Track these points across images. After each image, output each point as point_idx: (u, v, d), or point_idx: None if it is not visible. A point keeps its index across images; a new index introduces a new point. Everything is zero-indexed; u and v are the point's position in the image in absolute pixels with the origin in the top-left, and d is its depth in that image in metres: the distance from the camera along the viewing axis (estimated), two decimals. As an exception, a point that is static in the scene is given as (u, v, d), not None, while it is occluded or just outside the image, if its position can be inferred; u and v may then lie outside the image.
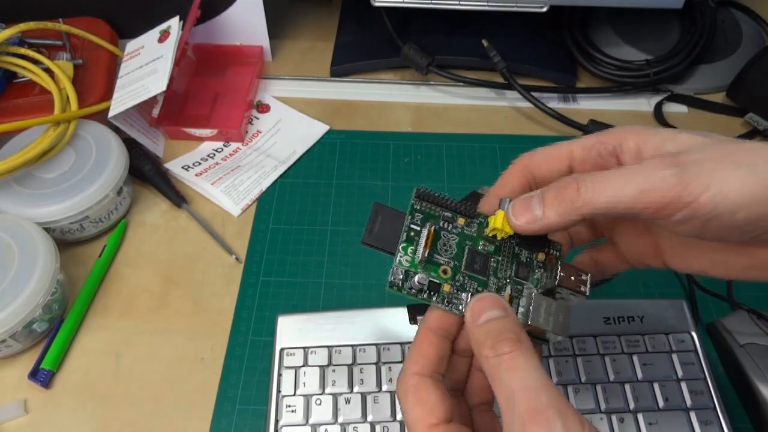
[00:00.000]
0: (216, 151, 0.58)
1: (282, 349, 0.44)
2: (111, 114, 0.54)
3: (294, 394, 0.42)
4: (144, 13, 0.59)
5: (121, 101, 0.55)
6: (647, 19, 0.63)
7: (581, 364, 0.42)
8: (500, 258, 0.31)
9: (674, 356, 0.43)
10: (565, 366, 0.42)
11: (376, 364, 0.43)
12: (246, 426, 0.42)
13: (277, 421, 0.41)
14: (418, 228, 0.31)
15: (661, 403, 0.41)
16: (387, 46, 0.64)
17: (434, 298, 0.30)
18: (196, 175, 0.56)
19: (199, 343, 0.46)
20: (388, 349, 0.43)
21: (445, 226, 0.31)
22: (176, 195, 0.54)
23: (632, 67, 0.61)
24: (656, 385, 0.42)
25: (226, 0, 0.62)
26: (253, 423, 0.42)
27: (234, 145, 0.59)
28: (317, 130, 0.60)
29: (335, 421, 0.41)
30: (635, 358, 0.43)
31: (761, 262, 0.28)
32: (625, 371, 0.42)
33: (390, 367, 0.42)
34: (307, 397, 0.41)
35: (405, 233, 0.30)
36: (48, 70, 0.55)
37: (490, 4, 0.58)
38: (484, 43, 0.60)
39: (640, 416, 0.40)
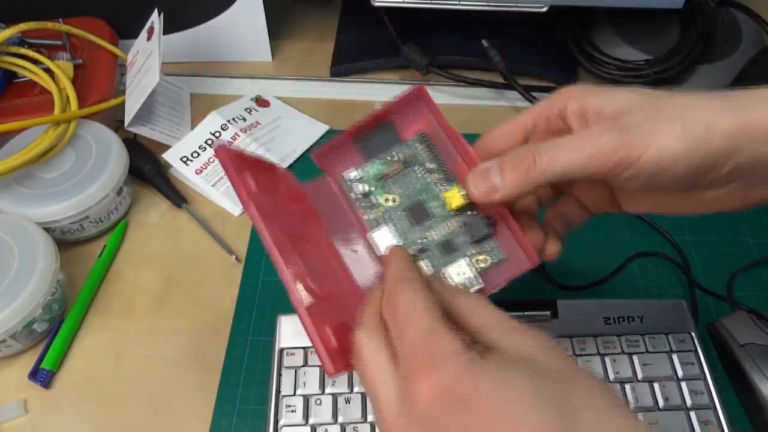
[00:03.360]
0: (214, 135, 0.58)
1: (282, 349, 0.44)
2: (126, 123, 0.56)
3: (294, 394, 0.42)
4: (144, 13, 0.59)
5: (131, 108, 0.56)
6: (647, 19, 0.63)
7: (581, 364, 0.42)
8: (440, 224, 0.34)
9: (674, 356, 0.43)
10: (565, 366, 0.42)
11: (376, 364, 0.43)
12: (246, 426, 0.42)
13: (277, 421, 0.41)
14: (398, 158, 0.35)
15: (661, 403, 0.41)
16: (387, 46, 0.64)
17: (362, 204, 0.35)
18: (196, 171, 0.56)
19: (199, 343, 0.46)
20: (388, 349, 0.43)
21: (420, 171, 0.35)
22: (176, 195, 0.54)
23: (632, 67, 0.61)
24: (656, 385, 0.42)
25: (226, 0, 0.62)
26: (253, 423, 0.42)
27: (231, 130, 0.58)
28: (317, 129, 0.60)
29: (335, 421, 0.41)
30: (635, 358, 0.43)
31: (703, 201, 0.31)
32: (625, 371, 0.42)
33: (390, 367, 0.42)
34: (307, 397, 0.41)
35: (385, 155, 0.35)
36: (48, 70, 0.55)
37: (490, 4, 0.58)
38: (484, 43, 0.60)
39: (640, 416, 0.40)
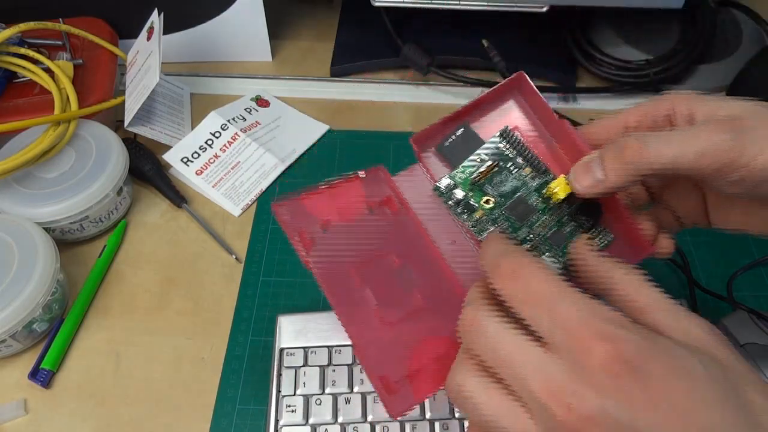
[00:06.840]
0: (214, 135, 0.58)
1: (282, 349, 0.44)
2: (126, 123, 0.56)
3: (294, 394, 0.42)
4: (144, 13, 0.59)
5: (131, 108, 0.56)
6: (647, 19, 0.63)
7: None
8: (544, 217, 0.33)
9: (674, 356, 0.43)
10: (565, 366, 0.42)
11: (376, 364, 0.43)
12: (246, 426, 0.42)
13: (277, 421, 0.41)
14: (486, 159, 0.34)
15: (661, 403, 0.41)
16: (387, 46, 0.64)
17: (464, 216, 0.34)
18: (197, 172, 0.56)
19: (199, 343, 0.46)
20: (388, 349, 0.43)
21: (511, 167, 0.34)
22: (176, 195, 0.54)
23: (632, 67, 0.61)
24: (656, 385, 0.41)
25: (226, 0, 0.62)
26: (253, 423, 0.42)
27: (231, 130, 0.58)
28: (317, 129, 0.60)
29: (335, 421, 0.41)
30: (635, 358, 0.43)
31: None
32: (625, 371, 0.42)
33: (390, 367, 0.42)
34: (307, 397, 0.41)
35: (472, 157, 0.34)
36: (48, 70, 0.55)
37: (490, 4, 0.58)
38: (484, 43, 0.60)
39: None
